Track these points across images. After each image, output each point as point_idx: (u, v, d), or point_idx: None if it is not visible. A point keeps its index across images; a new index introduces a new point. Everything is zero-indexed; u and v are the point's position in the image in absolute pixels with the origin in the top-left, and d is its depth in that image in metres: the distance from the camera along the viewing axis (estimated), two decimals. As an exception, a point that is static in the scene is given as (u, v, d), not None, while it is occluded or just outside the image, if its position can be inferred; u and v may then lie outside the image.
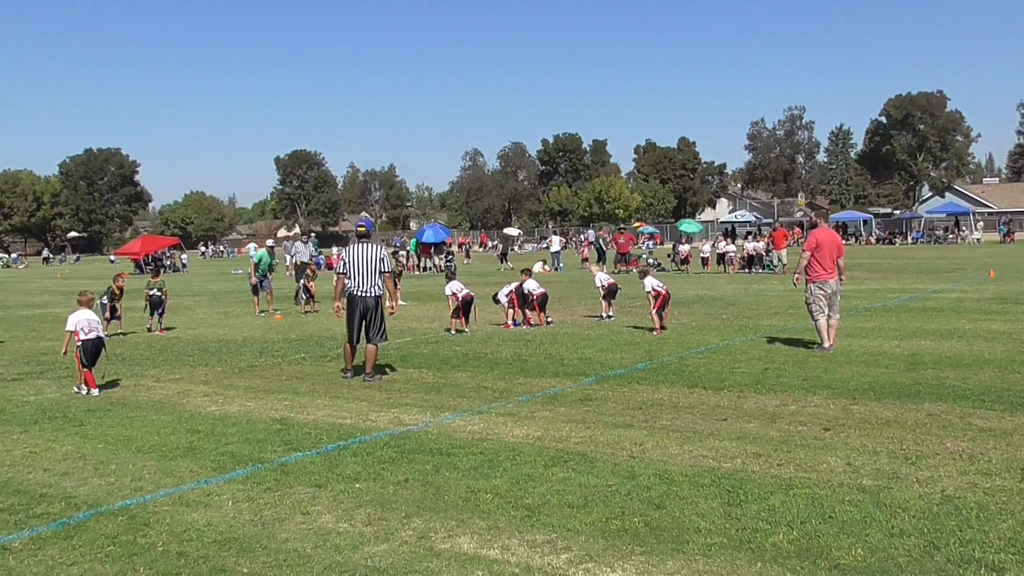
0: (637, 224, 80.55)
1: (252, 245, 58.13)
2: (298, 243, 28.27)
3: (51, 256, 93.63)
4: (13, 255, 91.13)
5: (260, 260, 21.09)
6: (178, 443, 7.91)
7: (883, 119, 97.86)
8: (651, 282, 15.42)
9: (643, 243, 68.57)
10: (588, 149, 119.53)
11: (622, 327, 15.92)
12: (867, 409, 8.39)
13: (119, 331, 16.79)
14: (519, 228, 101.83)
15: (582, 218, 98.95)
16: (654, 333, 14.71)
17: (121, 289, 17.00)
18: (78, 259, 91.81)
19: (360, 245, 11.20)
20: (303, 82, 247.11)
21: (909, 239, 74.16)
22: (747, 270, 34.30)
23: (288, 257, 28.63)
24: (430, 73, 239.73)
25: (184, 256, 62.07)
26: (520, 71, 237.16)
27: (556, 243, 45.06)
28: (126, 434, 8.34)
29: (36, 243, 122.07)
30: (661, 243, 72.59)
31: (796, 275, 12.54)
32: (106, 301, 16.50)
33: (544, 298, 16.73)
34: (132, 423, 8.84)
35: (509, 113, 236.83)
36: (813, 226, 12.95)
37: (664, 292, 15.25)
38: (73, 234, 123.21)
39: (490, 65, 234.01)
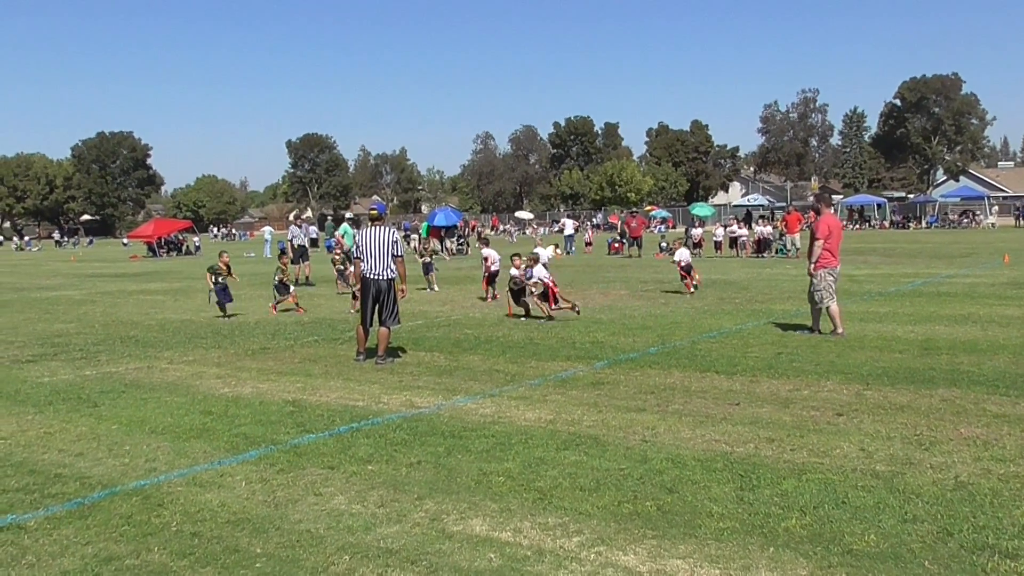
0: (649, 208, 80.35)
1: (267, 228, 58.20)
2: (293, 227, 28.42)
3: (64, 239, 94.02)
4: (26, 238, 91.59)
5: (345, 233, 24.37)
6: (191, 424, 7.95)
7: (897, 102, 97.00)
8: (682, 254, 19.18)
9: (655, 227, 68.48)
10: (600, 132, 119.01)
11: (633, 311, 15.89)
12: (881, 394, 8.36)
13: (231, 313, 16.82)
14: (531, 211, 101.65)
15: (593, 202, 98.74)
16: (691, 293, 18.37)
17: (227, 264, 17.11)
18: (91, 242, 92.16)
19: (373, 228, 11.20)
20: (315, 65, 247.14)
21: (923, 223, 73.69)
22: (759, 254, 34.17)
23: (284, 242, 28.80)
24: (441, 56, 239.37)
25: (196, 239, 62.23)
26: (532, 54, 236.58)
27: (569, 226, 44.93)
28: (140, 415, 8.38)
29: (49, 226, 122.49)
30: (674, 227, 72.37)
31: (812, 265, 12.23)
32: (221, 280, 16.56)
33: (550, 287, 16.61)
34: (146, 404, 8.88)
35: (520, 96, 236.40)
36: (816, 212, 12.67)
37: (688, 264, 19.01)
38: (86, 217, 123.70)
39: (502, 48, 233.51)
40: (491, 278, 18.81)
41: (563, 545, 4.83)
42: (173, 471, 6.47)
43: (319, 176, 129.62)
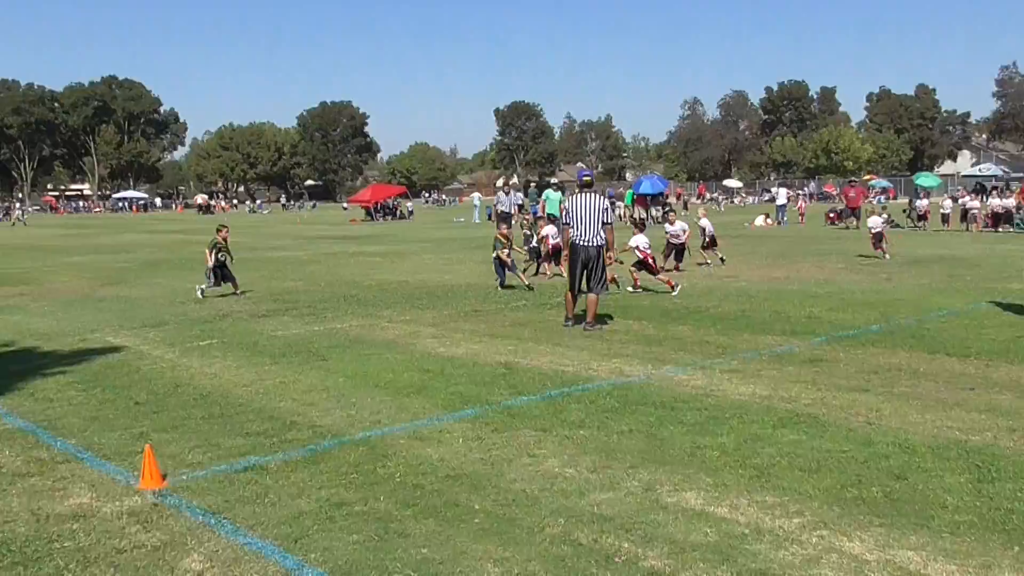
0: (868, 177, 76.06)
1: (476, 195, 59.88)
2: (500, 193, 29.06)
3: (290, 203, 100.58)
4: (258, 202, 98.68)
5: (547, 199, 24.67)
6: (410, 381, 8.31)
7: None
8: (874, 221, 20.33)
9: (874, 197, 64.73)
10: (815, 97, 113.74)
11: (852, 285, 15.11)
12: None
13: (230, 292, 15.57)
14: (739, 180, 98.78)
15: (807, 170, 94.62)
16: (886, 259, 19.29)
17: (226, 240, 15.71)
18: (315, 206, 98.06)
19: (583, 195, 11.22)
20: (523, 34, 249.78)
21: None
22: (993, 228, 31.58)
23: (494, 207, 29.48)
24: (648, 20, 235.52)
25: (410, 204, 64.85)
26: (742, 15, 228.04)
27: (782, 196, 43.11)
28: (363, 370, 8.84)
29: (277, 191, 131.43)
30: (895, 198, 68.13)
31: None
32: (221, 257, 15.41)
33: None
34: (369, 360, 9.36)
35: (730, 60, 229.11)
36: None
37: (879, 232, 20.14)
38: (310, 182, 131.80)
39: (710, 10, 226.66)
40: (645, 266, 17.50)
41: (782, 525, 4.67)
42: (395, 424, 6.78)
43: (525, 143, 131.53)
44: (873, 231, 20.24)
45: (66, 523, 4.90)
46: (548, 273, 17.37)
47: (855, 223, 34.93)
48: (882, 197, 65.85)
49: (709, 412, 6.95)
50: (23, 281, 19.24)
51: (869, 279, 16.10)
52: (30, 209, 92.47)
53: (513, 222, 24.07)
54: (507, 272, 15.58)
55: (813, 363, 8.76)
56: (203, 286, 15.18)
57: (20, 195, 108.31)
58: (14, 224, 60.36)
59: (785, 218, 40.53)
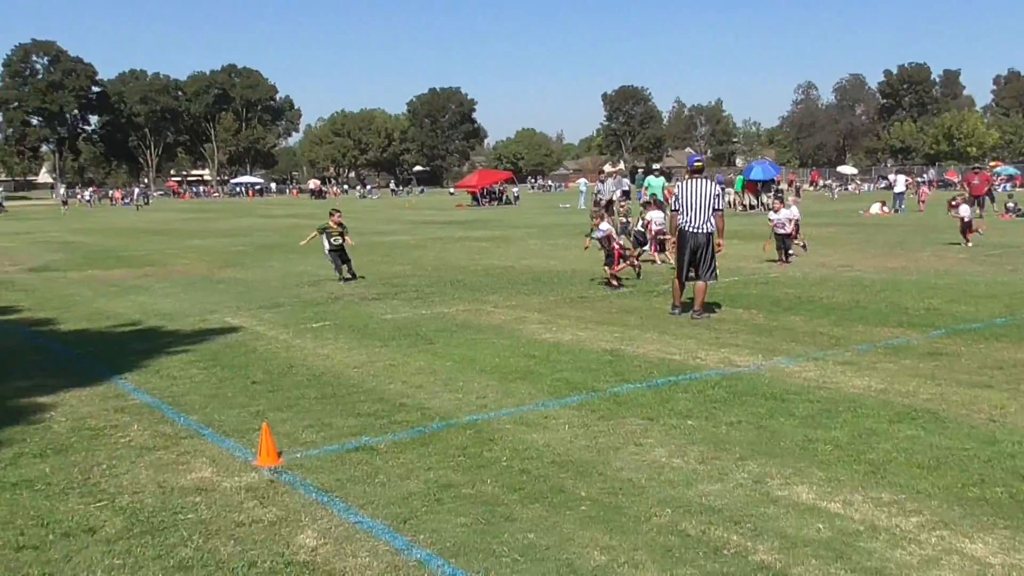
0: (993, 163, 72.55)
1: (582, 180, 59.75)
2: (609, 180, 28.74)
3: (399, 188, 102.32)
4: (368, 187, 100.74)
5: (649, 186, 25.12)
6: (516, 366, 8.36)
7: None
8: (964, 210, 20.66)
9: (999, 184, 61.73)
10: (937, 80, 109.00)
11: (975, 276, 14.46)
12: None
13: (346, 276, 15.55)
14: (854, 166, 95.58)
15: (927, 156, 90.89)
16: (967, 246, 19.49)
17: (340, 224, 15.70)
18: (422, 191, 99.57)
19: (694, 181, 11.04)
20: (631, 17, 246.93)
21: None
22: None
23: (598, 195, 29.11)
24: (761, 1, 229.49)
25: (515, 190, 65.10)
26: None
27: (900, 183, 41.39)
28: (470, 354, 8.94)
29: (386, 176, 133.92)
30: (1022, 185, 64.78)
31: None
32: (334, 242, 15.45)
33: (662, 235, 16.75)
34: (475, 344, 9.46)
35: (846, 42, 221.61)
36: None
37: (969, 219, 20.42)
38: (417, 168, 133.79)
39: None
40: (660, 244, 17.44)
41: (899, 524, 4.52)
42: (501, 409, 6.84)
43: (633, 128, 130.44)
44: (964, 219, 20.58)
45: (189, 496, 5.12)
46: (657, 260, 17.15)
47: (979, 211, 33.35)
48: (1008, 185, 62.79)
49: (821, 405, 6.77)
50: (148, 263, 20.16)
51: (992, 270, 15.38)
52: (155, 194, 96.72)
53: (615, 209, 23.94)
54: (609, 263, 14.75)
55: (932, 357, 8.42)
56: (338, 275, 15.35)
57: (145, 180, 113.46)
58: (138, 208, 63.21)
59: (903, 206, 38.99)
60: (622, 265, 14.15)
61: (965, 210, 20.92)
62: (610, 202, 27.04)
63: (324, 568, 4.16)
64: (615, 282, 13.82)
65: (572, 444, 5.93)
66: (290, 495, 5.10)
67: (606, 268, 14.24)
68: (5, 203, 55.73)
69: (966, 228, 20.53)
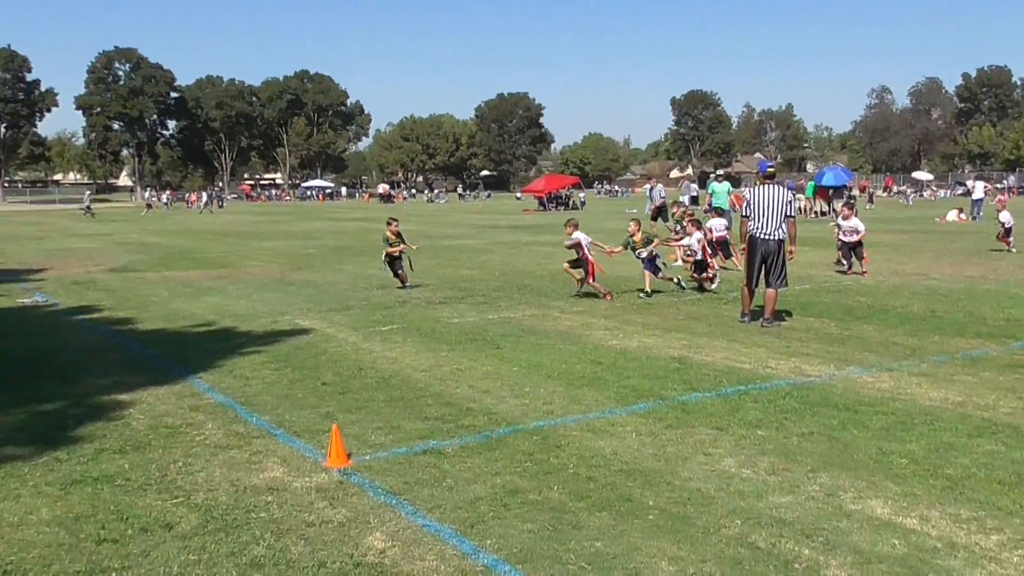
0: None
1: (648, 185, 59.31)
2: (660, 186, 28.66)
3: (466, 193, 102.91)
4: (436, 191, 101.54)
5: (713, 192, 23.98)
6: (583, 372, 8.33)
7: None
8: (1005, 216, 20.92)
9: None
10: (1019, 83, 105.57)
11: (1060, 287, 13.96)
12: None
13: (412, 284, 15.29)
14: (930, 172, 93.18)
15: (1006, 162, 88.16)
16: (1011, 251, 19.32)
17: (397, 234, 15.36)
18: (489, 196, 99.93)
19: (765, 187, 10.88)
20: (699, 22, 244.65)
21: None
22: None
23: (649, 202, 28.91)
24: (833, 4, 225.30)
25: (582, 194, 64.93)
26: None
27: (979, 189, 40.18)
28: (536, 360, 8.94)
29: (454, 181, 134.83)
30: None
31: None
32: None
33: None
34: (542, 350, 9.46)
35: (922, 45, 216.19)
36: None
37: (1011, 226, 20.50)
38: (485, 173, 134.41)
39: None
40: (723, 247, 17.61)
41: (978, 542, 4.39)
42: (568, 415, 6.83)
43: (701, 133, 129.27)
44: (1006, 225, 21.15)
45: (261, 495, 5.22)
46: (714, 266, 16.73)
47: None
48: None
49: (896, 417, 6.61)
50: (222, 264, 20.63)
51: (1079, 280, 14.84)
52: (229, 197, 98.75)
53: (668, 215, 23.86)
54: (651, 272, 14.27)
55: (1013, 368, 8.17)
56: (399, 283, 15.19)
57: (220, 184, 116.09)
58: (212, 211, 64.60)
59: (981, 213, 37.82)
60: (604, 290, 13.60)
61: (1006, 216, 21.47)
62: (659, 209, 26.85)
63: (392, 571, 4.21)
64: (603, 291, 13.53)
65: (639, 452, 5.89)
66: (359, 497, 5.16)
67: (693, 276, 14.35)
68: (92, 207, 57.50)
69: (1008, 233, 21.03)
